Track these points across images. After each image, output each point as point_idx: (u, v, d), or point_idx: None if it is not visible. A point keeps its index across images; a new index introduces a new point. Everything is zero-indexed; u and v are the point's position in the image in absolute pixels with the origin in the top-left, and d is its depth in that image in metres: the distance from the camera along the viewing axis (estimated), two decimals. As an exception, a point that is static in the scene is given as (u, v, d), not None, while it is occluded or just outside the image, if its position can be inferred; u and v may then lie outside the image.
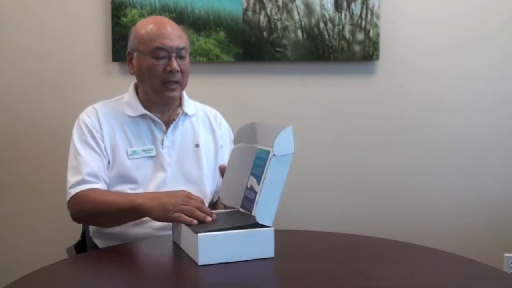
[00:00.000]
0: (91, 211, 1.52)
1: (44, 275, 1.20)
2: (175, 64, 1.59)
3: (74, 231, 1.83)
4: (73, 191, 1.55)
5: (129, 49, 1.67)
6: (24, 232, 2.32)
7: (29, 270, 1.20)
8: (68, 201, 1.57)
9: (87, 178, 1.55)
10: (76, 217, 1.59)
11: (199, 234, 1.20)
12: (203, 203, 1.40)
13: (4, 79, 2.29)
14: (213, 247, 1.21)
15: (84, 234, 1.78)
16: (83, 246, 1.75)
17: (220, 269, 1.20)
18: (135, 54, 1.64)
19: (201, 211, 1.34)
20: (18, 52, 2.27)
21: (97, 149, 1.60)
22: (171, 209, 1.35)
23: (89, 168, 1.57)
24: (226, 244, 1.23)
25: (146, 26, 1.62)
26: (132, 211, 1.44)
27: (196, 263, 1.22)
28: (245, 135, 1.43)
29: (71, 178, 1.57)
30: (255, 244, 1.25)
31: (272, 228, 1.27)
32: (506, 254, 2.39)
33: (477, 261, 1.30)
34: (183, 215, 1.33)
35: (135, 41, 1.63)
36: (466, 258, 1.32)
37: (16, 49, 2.27)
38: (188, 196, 1.39)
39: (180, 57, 1.62)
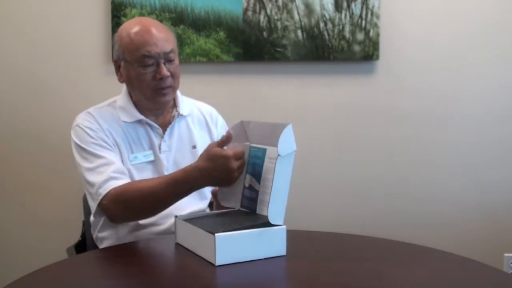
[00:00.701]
0: (137, 203, 1.44)
1: (44, 275, 1.19)
2: (164, 70, 1.53)
3: (74, 231, 1.83)
4: (104, 191, 1.46)
5: (115, 58, 1.61)
6: (24, 232, 2.33)
7: (29, 270, 1.20)
8: (100, 203, 1.47)
9: (114, 174, 1.48)
10: (116, 215, 1.50)
11: (216, 234, 1.20)
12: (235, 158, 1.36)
13: (4, 79, 2.29)
14: (229, 247, 1.22)
15: (84, 234, 1.78)
16: (83, 246, 1.75)
17: (236, 268, 1.20)
18: (122, 63, 1.58)
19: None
20: (18, 52, 2.27)
21: (109, 147, 1.55)
22: (231, 181, 1.37)
23: (112, 166, 1.50)
24: (241, 244, 1.23)
25: (129, 32, 1.55)
26: (188, 189, 1.42)
27: (209, 263, 1.22)
28: (235, 135, 1.42)
29: (95, 179, 1.48)
30: (269, 243, 1.26)
31: (284, 227, 1.28)
32: (506, 254, 2.39)
33: (477, 261, 1.29)
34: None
35: (120, 50, 1.57)
36: (466, 258, 1.32)
37: (16, 49, 2.27)
38: (230, 167, 1.34)
39: (169, 61, 1.55)
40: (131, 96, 1.65)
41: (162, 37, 1.55)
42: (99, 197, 1.47)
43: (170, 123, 1.66)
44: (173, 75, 1.57)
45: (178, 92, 1.69)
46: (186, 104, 1.72)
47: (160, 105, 1.62)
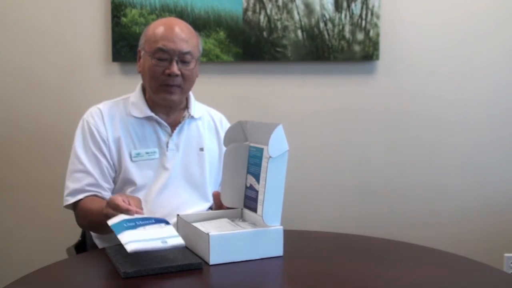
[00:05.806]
0: (84, 222, 1.59)
1: (44, 275, 1.20)
2: (174, 68, 1.57)
3: (74, 231, 1.83)
4: (71, 199, 1.58)
5: (139, 48, 1.67)
6: (24, 232, 2.32)
7: (29, 270, 1.20)
8: (67, 206, 1.61)
9: (87, 187, 1.58)
10: (79, 225, 1.66)
11: (210, 233, 1.21)
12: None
13: (4, 79, 2.29)
14: (224, 247, 1.22)
15: (84, 234, 1.78)
16: (83, 246, 1.75)
17: (231, 268, 1.21)
18: (142, 53, 1.64)
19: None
20: (18, 52, 2.27)
21: (99, 154, 1.60)
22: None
23: (89, 178, 1.58)
24: (237, 244, 1.24)
25: (156, 26, 1.62)
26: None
27: (206, 263, 1.22)
28: (234, 135, 1.43)
29: (70, 184, 1.60)
30: (265, 243, 1.27)
31: (281, 227, 1.28)
32: (506, 254, 2.39)
33: (477, 261, 1.30)
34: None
35: (143, 40, 1.64)
36: (466, 258, 1.32)
37: (16, 49, 2.27)
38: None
39: (183, 62, 1.59)
40: (144, 93, 1.68)
41: (183, 37, 1.59)
42: (65, 202, 1.60)
43: (180, 123, 1.68)
44: (184, 77, 1.60)
45: (192, 95, 1.73)
46: (198, 108, 1.75)
47: (166, 103, 1.64)
